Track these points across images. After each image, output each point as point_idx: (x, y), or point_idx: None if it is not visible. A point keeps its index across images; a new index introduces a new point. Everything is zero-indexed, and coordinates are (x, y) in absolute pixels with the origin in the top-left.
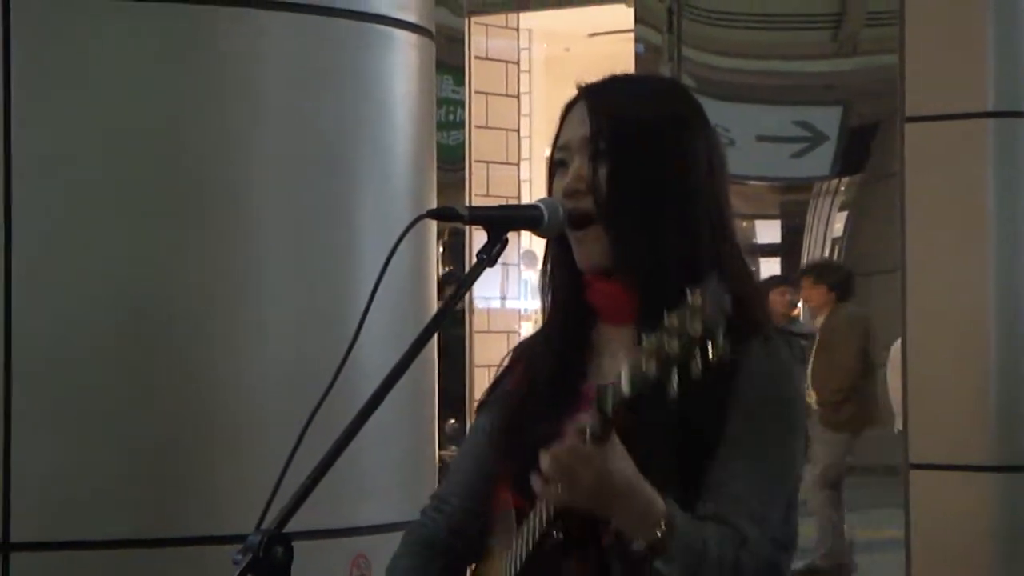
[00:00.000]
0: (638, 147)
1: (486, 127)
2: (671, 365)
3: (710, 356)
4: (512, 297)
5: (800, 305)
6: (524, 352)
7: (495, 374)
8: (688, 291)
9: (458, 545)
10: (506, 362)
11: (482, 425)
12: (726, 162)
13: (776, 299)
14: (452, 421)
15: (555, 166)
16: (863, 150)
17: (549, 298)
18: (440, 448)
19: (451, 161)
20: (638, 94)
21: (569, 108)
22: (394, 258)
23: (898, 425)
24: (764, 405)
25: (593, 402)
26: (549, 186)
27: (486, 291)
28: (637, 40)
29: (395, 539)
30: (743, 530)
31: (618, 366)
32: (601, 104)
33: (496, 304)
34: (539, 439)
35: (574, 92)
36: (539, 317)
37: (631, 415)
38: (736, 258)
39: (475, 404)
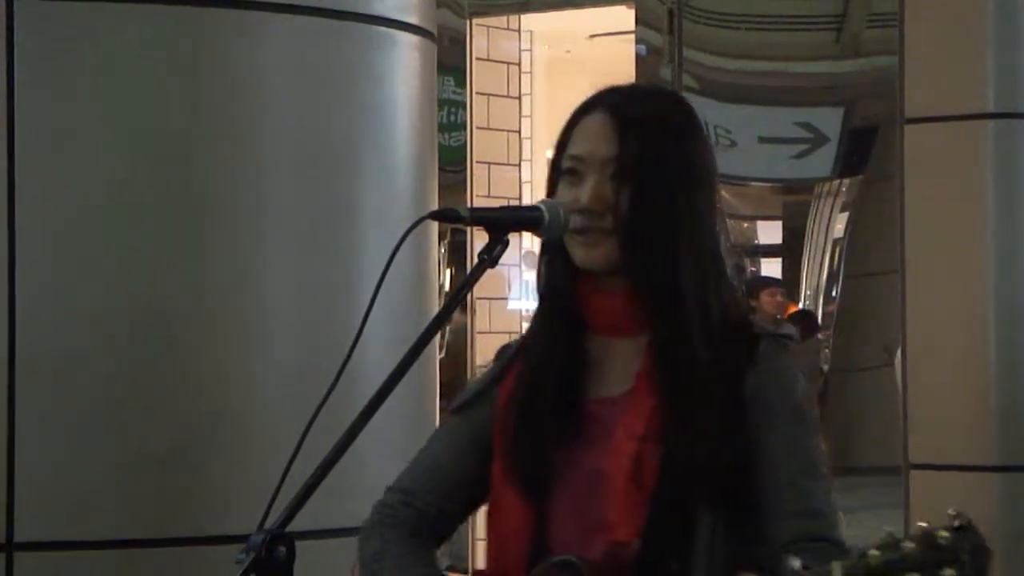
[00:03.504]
0: (661, 170)
1: (487, 128)
2: None
3: None
4: (513, 297)
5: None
6: (513, 358)
7: (481, 377)
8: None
9: (434, 532)
10: (491, 366)
11: (462, 427)
12: (716, 168)
13: (767, 299)
14: None
15: (562, 172)
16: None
17: (542, 304)
18: None
19: (452, 162)
20: (660, 114)
21: (582, 115)
22: (396, 259)
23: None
24: (790, 413)
25: None
26: (551, 189)
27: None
28: (638, 41)
29: None
30: (837, 538)
31: (619, 379)
32: (629, 125)
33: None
34: (544, 452)
35: (576, 93)
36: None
37: None
38: (724, 265)
39: None
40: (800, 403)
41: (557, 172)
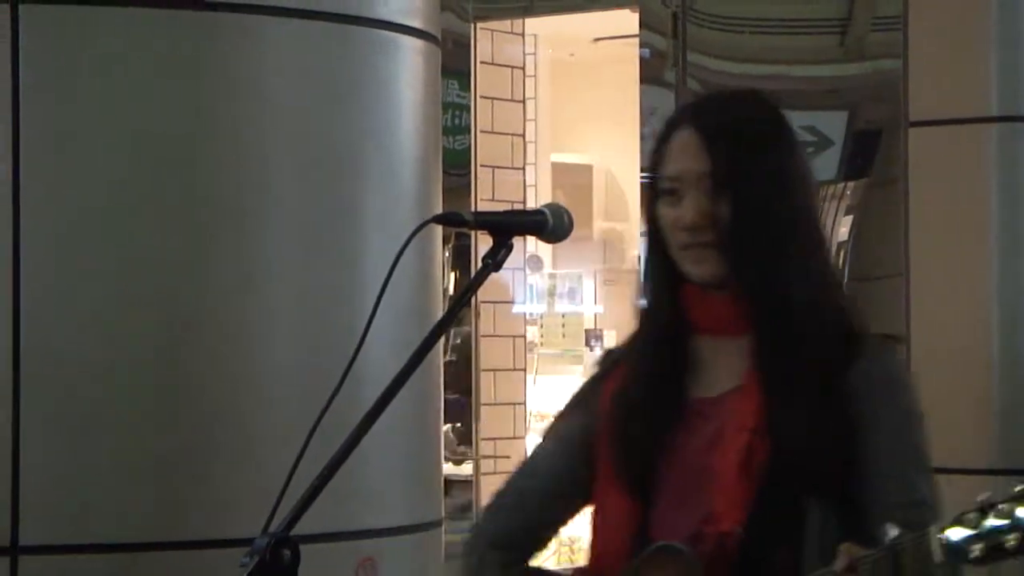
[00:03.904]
0: (755, 179)
1: (492, 132)
2: (997, 554)
3: None
4: (518, 301)
5: None
6: (616, 362)
7: (584, 383)
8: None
9: (532, 542)
10: (597, 371)
11: (566, 431)
12: (810, 167)
13: None
14: (458, 425)
15: (660, 191)
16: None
17: (647, 308)
18: (445, 452)
19: (457, 166)
20: (746, 122)
21: (671, 131)
22: (400, 263)
23: None
24: (897, 407)
25: (886, 550)
26: (650, 207)
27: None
28: (642, 45)
29: (402, 542)
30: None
31: (725, 378)
32: (716, 138)
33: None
34: (649, 451)
35: (580, 96)
36: (544, 321)
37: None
38: (829, 263)
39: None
40: (907, 398)
41: (655, 191)
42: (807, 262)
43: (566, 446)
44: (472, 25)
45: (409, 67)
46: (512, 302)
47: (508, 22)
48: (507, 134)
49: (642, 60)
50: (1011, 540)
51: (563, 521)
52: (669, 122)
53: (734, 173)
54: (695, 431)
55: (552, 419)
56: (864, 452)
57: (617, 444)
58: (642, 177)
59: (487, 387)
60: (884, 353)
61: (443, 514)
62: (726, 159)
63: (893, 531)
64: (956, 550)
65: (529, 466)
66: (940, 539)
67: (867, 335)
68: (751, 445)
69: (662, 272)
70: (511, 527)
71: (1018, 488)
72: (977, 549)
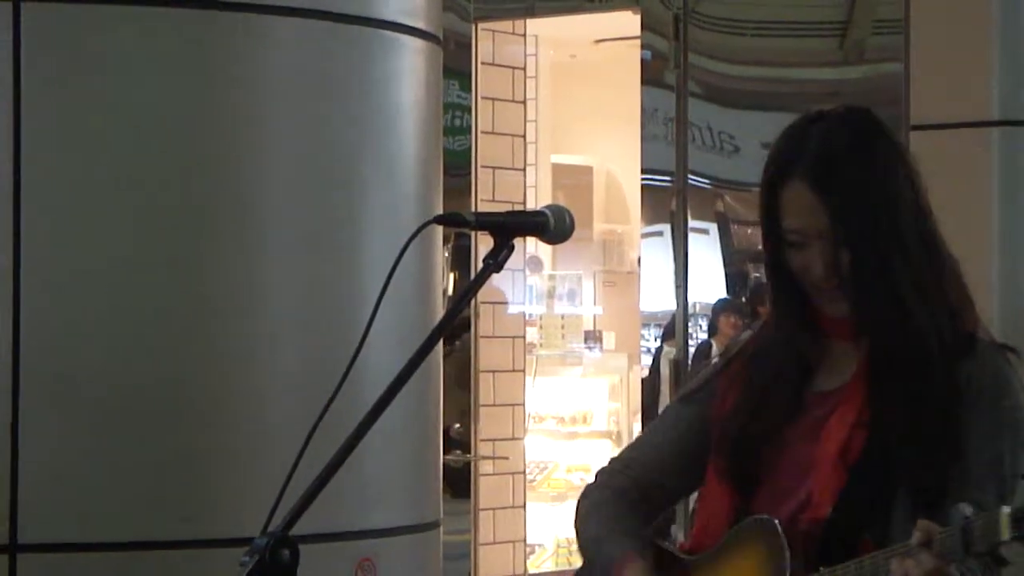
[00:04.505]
0: (869, 228)
1: (492, 132)
2: None
3: None
4: (517, 302)
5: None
6: (739, 355)
7: (704, 372)
8: None
9: (641, 507)
10: (718, 361)
11: (686, 414)
12: (921, 174)
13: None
14: (457, 426)
15: (783, 242)
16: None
17: (776, 309)
18: (445, 452)
19: (457, 166)
20: (854, 168)
21: (781, 182)
22: (400, 263)
23: None
24: (1001, 411)
25: (957, 533)
26: (777, 255)
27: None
28: (643, 47)
29: (400, 543)
30: None
31: (840, 375)
32: (830, 195)
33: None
34: (757, 441)
35: (581, 97)
36: (544, 322)
37: None
38: (951, 270)
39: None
40: (1008, 405)
41: (778, 240)
42: (921, 281)
43: (678, 431)
44: (473, 26)
45: (410, 67)
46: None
47: (509, 23)
48: (508, 135)
49: (643, 62)
50: None
51: (669, 500)
52: (778, 167)
53: (851, 229)
54: (803, 424)
55: (671, 401)
56: (957, 451)
57: (729, 435)
58: (644, 179)
59: (486, 388)
60: (992, 357)
61: (442, 514)
62: (842, 216)
63: (967, 509)
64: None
65: (642, 442)
66: (1007, 515)
67: (978, 338)
68: (848, 438)
69: (791, 293)
70: (628, 488)
71: None
72: None
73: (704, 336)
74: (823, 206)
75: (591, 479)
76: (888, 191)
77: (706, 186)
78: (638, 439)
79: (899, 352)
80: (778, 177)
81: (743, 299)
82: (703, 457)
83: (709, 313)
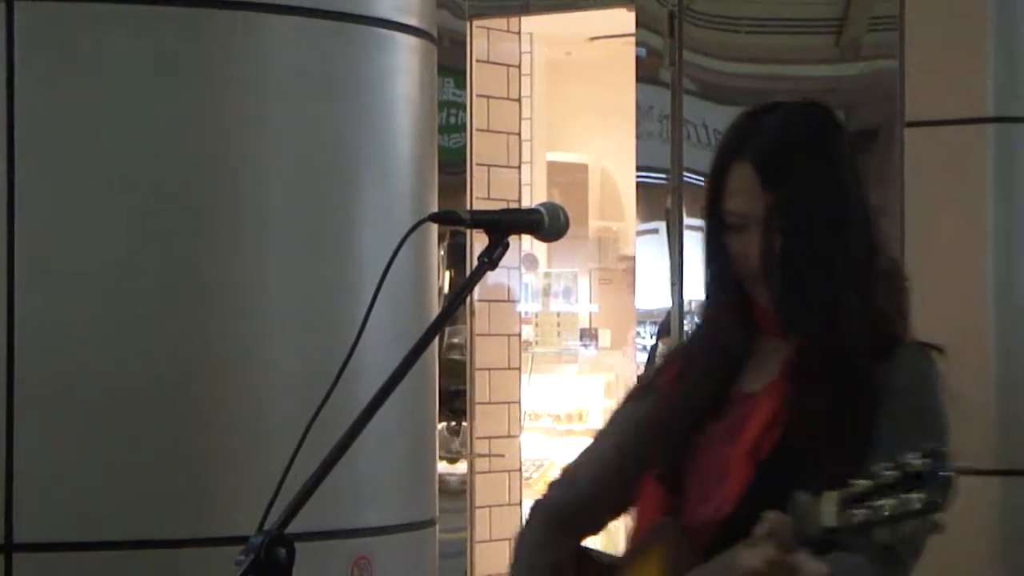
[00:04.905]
0: (808, 216)
1: (487, 130)
2: (877, 523)
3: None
4: (513, 300)
5: None
6: (679, 354)
7: (647, 370)
8: (909, 456)
9: (582, 520)
10: (660, 361)
11: (627, 416)
12: (866, 172)
13: None
14: (453, 424)
15: (724, 224)
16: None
17: (709, 305)
18: (440, 450)
19: (452, 164)
20: (800, 156)
21: (728, 164)
22: (396, 261)
23: None
24: (914, 412)
25: (788, 519)
26: (717, 238)
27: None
28: (638, 44)
29: (396, 541)
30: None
31: (768, 374)
32: (774, 179)
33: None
34: (682, 441)
35: (575, 95)
36: (539, 320)
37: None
38: (889, 272)
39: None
40: (926, 407)
41: (719, 222)
42: (857, 281)
43: (621, 434)
44: (468, 23)
45: (405, 65)
46: (510, 301)
47: (504, 20)
48: (503, 132)
49: (638, 59)
50: (887, 507)
51: (615, 507)
52: (727, 149)
53: (788, 218)
54: (725, 424)
55: (616, 405)
56: (867, 453)
57: (658, 435)
58: (639, 176)
59: (482, 386)
60: (913, 359)
61: (437, 513)
62: (782, 204)
63: (803, 496)
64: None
65: (589, 449)
66: (835, 499)
67: (903, 338)
68: (761, 436)
69: (727, 281)
70: (565, 505)
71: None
72: (860, 514)
73: None
74: (765, 191)
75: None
76: (835, 187)
77: (701, 183)
78: (585, 449)
79: (823, 351)
80: (727, 159)
81: None
82: (642, 463)
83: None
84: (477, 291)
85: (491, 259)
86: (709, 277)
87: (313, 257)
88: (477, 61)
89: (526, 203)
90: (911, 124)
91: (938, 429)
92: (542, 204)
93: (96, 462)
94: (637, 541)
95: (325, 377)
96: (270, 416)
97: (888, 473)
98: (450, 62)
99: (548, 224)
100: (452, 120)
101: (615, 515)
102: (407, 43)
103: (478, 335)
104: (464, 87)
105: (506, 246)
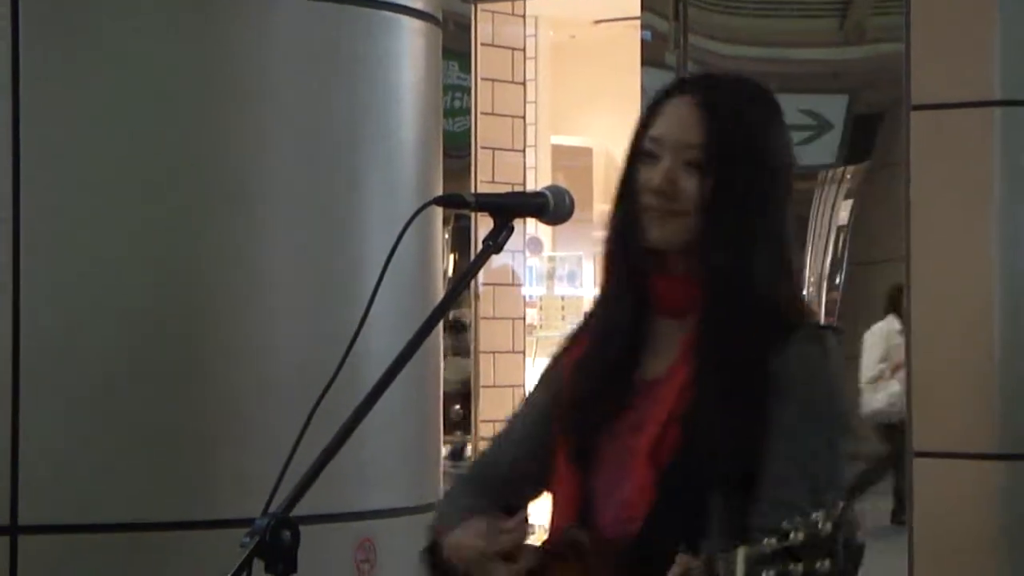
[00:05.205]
0: (743, 161)
1: (492, 114)
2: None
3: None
4: (517, 284)
5: None
6: (580, 334)
7: (556, 352)
8: (815, 516)
9: (506, 493)
10: (564, 342)
11: (537, 400)
12: (793, 157)
13: None
14: (457, 407)
15: (640, 154)
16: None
17: (609, 284)
18: (445, 434)
19: (457, 147)
20: (742, 104)
21: (666, 98)
22: (400, 245)
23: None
24: (804, 403)
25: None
26: (629, 170)
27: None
28: (643, 27)
29: (400, 524)
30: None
31: (669, 360)
32: (713, 114)
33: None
34: (592, 428)
35: (580, 78)
36: (544, 304)
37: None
38: (790, 254)
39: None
40: (815, 395)
41: (636, 153)
42: (771, 248)
43: (532, 421)
44: (473, 6)
45: (410, 48)
46: (515, 284)
47: (509, 3)
48: (507, 116)
49: (643, 42)
50: (798, 569)
51: (530, 492)
52: (666, 90)
53: (725, 152)
54: (630, 412)
55: (528, 392)
56: (766, 448)
57: (566, 421)
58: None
59: (486, 369)
60: (811, 346)
61: (441, 495)
62: (720, 136)
63: (716, 549)
64: (750, 570)
65: (501, 437)
66: (742, 556)
67: (803, 323)
68: (661, 434)
69: (630, 246)
70: (478, 498)
71: (811, 517)
72: (771, 572)
73: None
74: (701, 123)
75: None
76: (771, 144)
77: None
78: (500, 431)
79: (723, 336)
80: (663, 95)
81: None
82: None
83: None
84: (481, 275)
85: (496, 242)
86: (607, 258)
87: (318, 241)
88: (482, 44)
89: (531, 186)
90: (917, 108)
91: (825, 428)
92: (547, 187)
93: (101, 445)
94: (551, 550)
95: (329, 360)
96: (275, 399)
97: (799, 536)
98: (455, 45)
99: (553, 207)
100: (457, 103)
101: (536, 496)
102: (412, 26)
103: (483, 319)
104: (469, 70)
105: (511, 229)
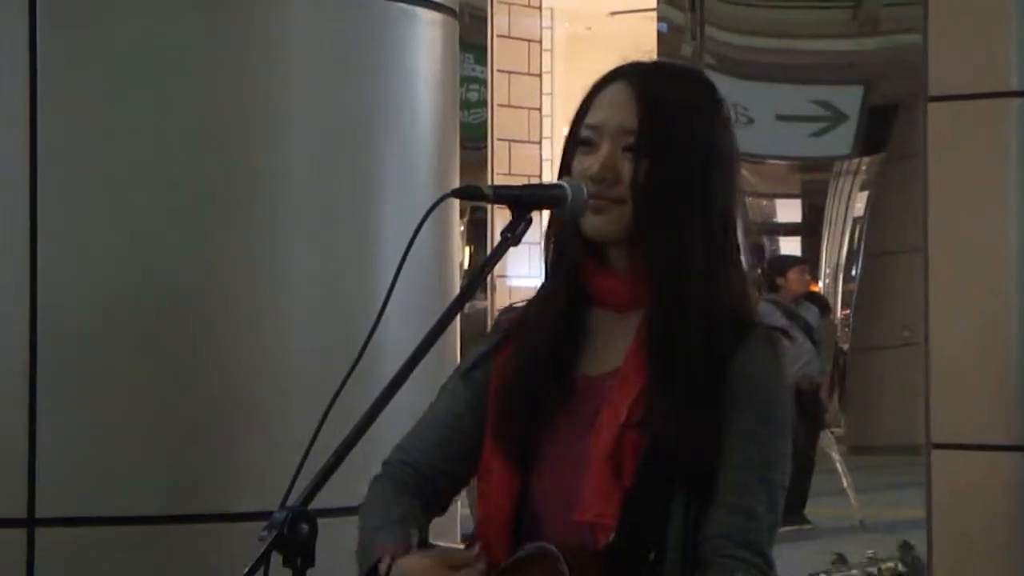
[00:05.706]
0: (679, 148)
1: (508, 106)
2: None
3: None
4: (534, 275)
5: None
6: (513, 326)
7: (479, 344)
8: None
9: (427, 496)
10: (492, 335)
11: (462, 393)
12: (738, 150)
13: (795, 277)
14: None
15: (578, 143)
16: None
17: (547, 275)
18: None
19: (473, 140)
20: (681, 91)
21: (603, 86)
22: (417, 237)
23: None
24: (758, 406)
25: None
26: (567, 160)
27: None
28: (659, 19)
29: None
30: (761, 547)
31: (612, 356)
32: (649, 98)
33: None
34: (531, 424)
35: (596, 70)
36: None
37: None
38: (737, 251)
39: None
40: (771, 400)
41: (574, 142)
42: (714, 241)
43: (458, 412)
44: None
45: (426, 40)
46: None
47: None
48: (524, 108)
49: (659, 34)
50: None
51: (450, 486)
52: (603, 78)
53: (660, 137)
54: (576, 411)
55: (452, 376)
56: (722, 452)
57: (500, 415)
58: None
59: None
60: (765, 349)
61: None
62: (656, 122)
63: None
64: None
65: (420, 426)
66: None
67: (755, 324)
68: (620, 439)
69: (569, 235)
70: (406, 502)
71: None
72: None
73: None
74: (637, 107)
75: None
76: (710, 132)
77: None
78: (418, 423)
79: (675, 333)
80: (600, 83)
81: (759, 271)
82: (481, 438)
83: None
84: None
85: (514, 235)
86: (548, 249)
87: (334, 233)
88: (498, 36)
89: (547, 178)
90: (934, 99)
91: (778, 432)
92: (565, 179)
93: (118, 439)
94: (504, 537)
95: (347, 354)
96: (293, 392)
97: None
98: (471, 37)
99: (571, 200)
100: (473, 95)
101: (454, 493)
102: (428, 18)
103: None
104: (485, 63)
105: (529, 221)
